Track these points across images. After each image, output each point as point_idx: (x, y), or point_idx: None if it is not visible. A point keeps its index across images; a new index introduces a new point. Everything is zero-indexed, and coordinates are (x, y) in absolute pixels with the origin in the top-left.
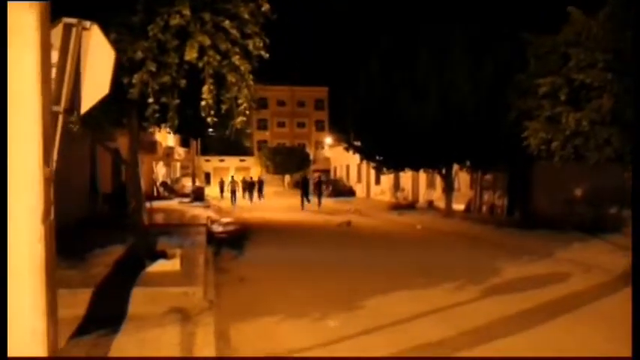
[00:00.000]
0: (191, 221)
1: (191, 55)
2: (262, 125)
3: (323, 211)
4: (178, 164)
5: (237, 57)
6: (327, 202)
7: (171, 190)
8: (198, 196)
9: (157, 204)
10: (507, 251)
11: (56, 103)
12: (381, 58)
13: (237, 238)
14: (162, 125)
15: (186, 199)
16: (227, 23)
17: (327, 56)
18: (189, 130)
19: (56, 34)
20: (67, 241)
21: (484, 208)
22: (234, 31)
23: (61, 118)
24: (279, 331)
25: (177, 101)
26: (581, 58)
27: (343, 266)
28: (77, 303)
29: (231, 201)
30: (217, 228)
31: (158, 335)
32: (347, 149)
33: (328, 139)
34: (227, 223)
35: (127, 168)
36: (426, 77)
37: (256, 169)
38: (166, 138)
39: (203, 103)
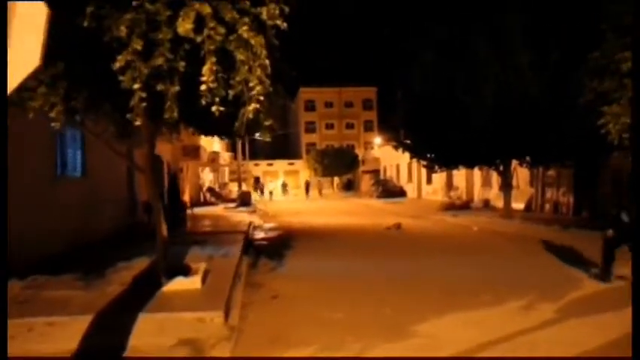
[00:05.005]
0: (232, 228)
1: (184, 26)
2: (310, 128)
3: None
4: (227, 169)
5: (246, 28)
6: (376, 203)
7: (218, 195)
8: (244, 201)
9: (202, 210)
10: (580, 257)
11: None
12: (434, 47)
13: (279, 246)
14: (166, 120)
15: (232, 205)
16: None
17: (375, 54)
18: (204, 126)
19: None
20: (95, 254)
21: (547, 207)
22: None
23: None
24: None
25: (176, 88)
26: None
27: (392, 279)
28: (71, 334)
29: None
30: (259, 234)
31: None
32: (396, 147)
33: (377, 139)
34: (269, 229)
35: (142, 174)
36: (484, 63)
37: (305, 172)
38: (212, 143)
39: (203, 87)
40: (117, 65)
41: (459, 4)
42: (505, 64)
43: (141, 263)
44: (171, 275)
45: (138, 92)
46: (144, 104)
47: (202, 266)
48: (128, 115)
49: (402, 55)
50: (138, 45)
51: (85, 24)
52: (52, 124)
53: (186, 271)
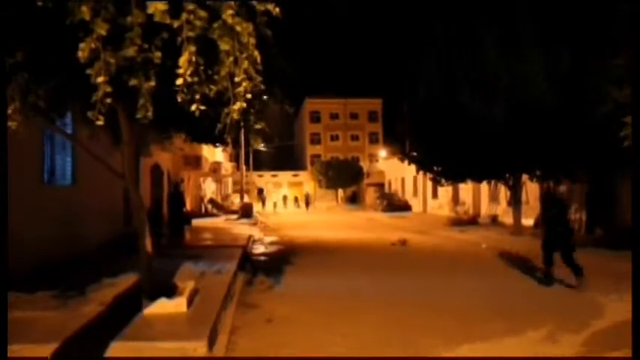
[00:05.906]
0: (230, 241)
1: (156, 7)
2: (315, 139)
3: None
4: (230, 180)
5: (232, 13)
6: (381, 216)
7: (219, 206)
8: (245, 212)
9: (202, 222)
10: (600, 279)
11: None
12: (439, 53)
13: (278, 261)
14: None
15: (234, 216)
16: None
17: (381, 67)
18: (189, 129)
19: None
20: (82, 267)
21: None
22: None
23: None
24: None
25: (151, 84)
26: None
27: (397, 301)
28: None
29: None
30: (258, 249)
31: None
32: (402, 160)
33: (382, 152)
34: (270, 243)
35: (124, 182)
36: (493, 69)
37: (309, 183)
38: (214, 153)
39: (180, 81)
40: (80, 54)
41: (465, 3)
42: (515, 69)
43: (127, 280)
44: (155, 296)
45: (103, 86)
46: (108, 100)
47: (190, 285)
48: (89, 114)
49: (407, 58)
50: (102, 30)
51: (40, 3)
52: (9, 124)
53: (172, 291)
